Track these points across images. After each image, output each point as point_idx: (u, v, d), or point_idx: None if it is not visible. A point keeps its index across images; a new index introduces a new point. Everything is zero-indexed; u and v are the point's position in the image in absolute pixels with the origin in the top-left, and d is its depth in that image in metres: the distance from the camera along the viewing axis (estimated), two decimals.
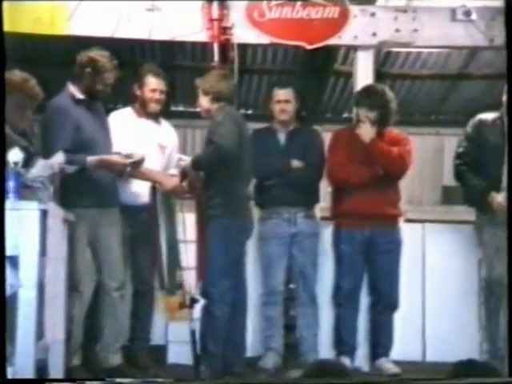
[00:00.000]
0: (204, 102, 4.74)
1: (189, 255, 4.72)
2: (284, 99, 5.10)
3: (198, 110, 4.81)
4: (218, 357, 4.56)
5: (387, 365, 4.90)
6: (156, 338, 5.06)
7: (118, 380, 3.59)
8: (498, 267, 4.83)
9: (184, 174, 4.75)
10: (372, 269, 4.97)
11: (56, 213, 3.78)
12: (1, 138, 3.38)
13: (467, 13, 5.32)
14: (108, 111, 4.79)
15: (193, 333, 4.54)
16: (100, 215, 4.48)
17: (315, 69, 7.24)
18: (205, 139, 4.75)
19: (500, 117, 5.03)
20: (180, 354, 4.90)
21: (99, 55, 4.47)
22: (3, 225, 3.23)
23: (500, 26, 5.29)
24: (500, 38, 5.30)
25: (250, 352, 5.06)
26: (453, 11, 5.36)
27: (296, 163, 5.06)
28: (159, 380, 4.30)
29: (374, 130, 4.99)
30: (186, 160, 4.74)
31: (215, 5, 5.23)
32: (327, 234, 5.11)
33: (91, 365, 4.49)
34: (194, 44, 6.28)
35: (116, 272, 4.53)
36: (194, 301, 4.57)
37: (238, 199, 4.68)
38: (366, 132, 4.97)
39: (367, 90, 5.17)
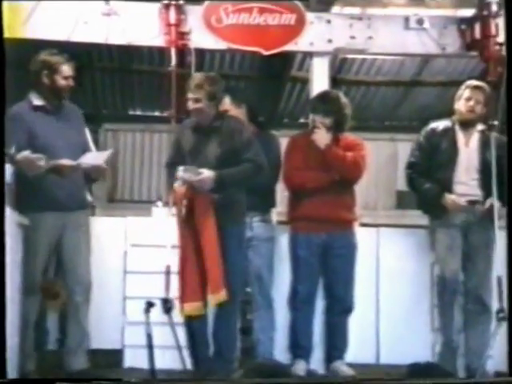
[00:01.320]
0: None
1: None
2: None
3: (190, 108, 4.65)
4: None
5: (342, 367, 4.94)
6: (113, 342, 5.06)
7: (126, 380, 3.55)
8: (450, 265, 4.96)
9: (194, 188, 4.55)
10: (327, 272, 5.01)
11: (12, 217, 3.76)
12: (0, 139, 3.36)
13: (420, 21, 5.41)
14: None
15: (149, 336, 4.54)
16: (63, 218, 4.46)
17: (272, 74, 7.30)
18: (226, 151, 4.63)
19: (452, 124, 5.16)
20: (136, 357, 4.91)
21: (48, 54, 4.48)
22: (3, 227, 3.21)
23: (452, 35, 5.42)
24: (452, 47, 5.43)
25: None
26: (406, 19, 5.46)
27: None
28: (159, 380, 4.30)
29: (330, 136, 5.06)
30: (206, 174, 4.54)
31: (172, 10, 5.24)
32: (284, 238, 5.15)
33: (48, 368, 4.48)
34: (151, 48, 6.29)
35: (80, 276, 4.52)
36: (150, 305, 4.58)
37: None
38: (322, 138, 5.04)
39: (322, 96, 5.24)
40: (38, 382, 3.50)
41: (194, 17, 5.34)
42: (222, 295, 4.54)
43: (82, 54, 6.69)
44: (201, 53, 5.96)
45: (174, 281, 4.82)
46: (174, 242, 4.89)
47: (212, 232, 4.54)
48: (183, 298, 4.58)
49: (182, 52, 5.27)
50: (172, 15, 5.24)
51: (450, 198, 5.01)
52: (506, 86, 4.29)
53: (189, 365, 4.86)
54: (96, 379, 3.96)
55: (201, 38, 5.40)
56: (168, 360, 4.72)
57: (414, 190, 5.21)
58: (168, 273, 4.82)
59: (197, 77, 4.68)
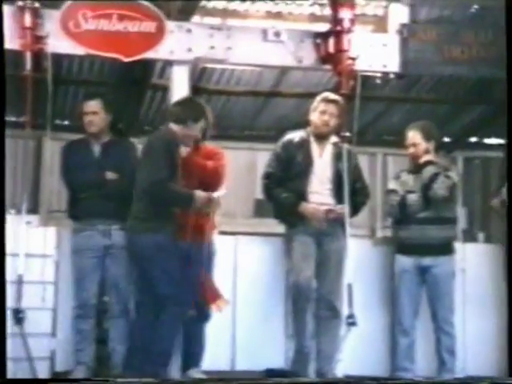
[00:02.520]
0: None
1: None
2: (91, 111, 5.12)
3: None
4: None
5: (197, 375, 4.97)
6: None
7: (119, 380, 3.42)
8: (304, 272, 5.09)
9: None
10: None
11: None
12: (1, 140, 3.21)
13: (277, 34, 5.52)
14: None
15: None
16: None
17: (132, 82, 7.23)
18: None
19: (307, 135, 5.30)
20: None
21: None
22: (4, 227, 3.02)
23: (308, 48, 5.55)
24: (307, 60, 5.57)
25: (59, 366, 5.01)
26: (264, 32, 5.55)
27: (110, 175, 5.06)
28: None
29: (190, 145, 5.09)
30: None
31: (28, 13, 5.11)
32: None
33: None
34: (6, 52, 6.08)
35: None
36: None
37: None
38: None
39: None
40: (35, 383, 3.36)
41: (52, 21, 5.21)
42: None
43: None
44: (58, 58, 5.83)
45: (27, 290, 4.72)
46: (26, 251, 4.78)
47: None
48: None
49: (38, 56, 5.14)
50: (27, 18, 5.10)
51: (307, 206, 5.14)
52: (507, 89, 4.42)
53: (43, 376, 4.77)
54: (85, 379, 3.83)
55: (58, 43, 5.27)
56: (20, 372, 4.60)
57: (271, 199, 5.33)
58: (20, 282, 4.70)
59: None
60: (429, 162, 5.31)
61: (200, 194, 4.76)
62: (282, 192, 5.20)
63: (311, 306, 5.14)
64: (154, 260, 4.64)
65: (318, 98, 5.31)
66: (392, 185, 5.49)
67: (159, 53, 5.52)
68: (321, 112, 5.24)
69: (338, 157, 5.25)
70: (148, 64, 6.59)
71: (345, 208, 5.10)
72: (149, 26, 5.46)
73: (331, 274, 5.18)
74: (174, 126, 4.84)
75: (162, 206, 4.70)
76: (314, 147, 5.28)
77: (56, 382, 3.72)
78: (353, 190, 5.20)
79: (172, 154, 4.72)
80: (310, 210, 5.15)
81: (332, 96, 5.28)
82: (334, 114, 5.24)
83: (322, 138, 5.28)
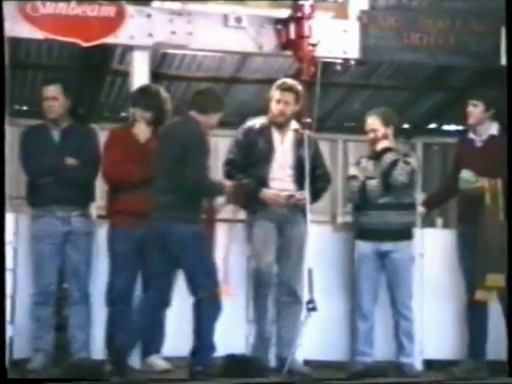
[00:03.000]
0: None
1: None
2: (51, 96, 5.06)
3: None
4: None
5: (158, 361, 4.98)
6: None
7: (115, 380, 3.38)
8: (265, 258, 5.12)
9: None
10: (145, 266, 5.01)
11: None
12: (1, 139, 3.15)
13: (238, 19, 5.52)
14: None
15: None
16: None
17: (92, 67, 7.17)
18: None
19: (268, 122, 5.30)
20: None
21: None
22: (3, 227, 2.95)
23: (268, 34, 5.57)
24: (268, 46, 5.58)
25: (17, 354, 4.97)
26: (225, 17, 5.55)
27: (70, 161, 5.02)
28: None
29: (150, 130, 5.08)
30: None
31: None
32: (103, 232, 5.11)
33: None
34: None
35: None
36: None
37: None
38: (142, 132, 5.05)
39: (143, 90, 5.24)
40: (36, 382, 3.32)
41: (8, 5, 5.14)
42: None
43: None
44: (16, 42, 5.76)
45: None
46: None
47: None
48: None
49: None
50: None
51: (268, 192, 5.16)
52: (506, 85, 4.42)
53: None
54: (80, 379, 3.79)
55: (15, 27, 5.23)
56: None
57: (234, 185, 5.31)
58: None
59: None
60: (387, 149, 5.35)
61: (226, 183, 4.93)
62: (243, 178, 5.21)
63: (272, 291, 5.16)
64: (194, 249, 4.66)
65: (274, 85, 5.29)
66: (352, 171, 5.51)
67: (119, 38, 5.50)
68: (276, 101, 5.22)
69: (298, 143, 5.26)
70: (108, 49, 6.54)
71: (305, 194, 5.12)
72: (108, 11, 5.44)
73: (292, 259, 5.20)
74: (196, 115, 4.80)
75: (202, 198, 4.80)
76: (275, 134, 5.29)
77: (53, 381, 3.71)
78: (314, 176, 5.21)
79: (208, 146, 4.77)
80: (270, 196, 5.17)
81: (287, 83, 5.23)
82: (290, 101, 5.21)
83: (281, 125, 5.28)
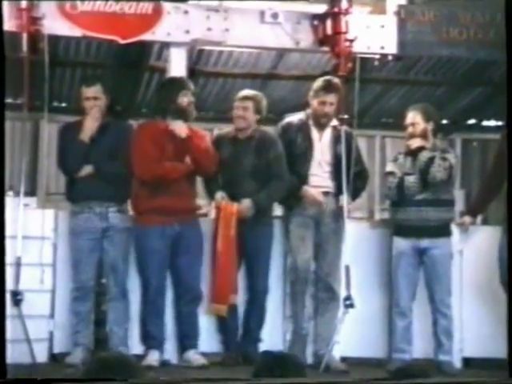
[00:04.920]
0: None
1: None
2: (92, 96, 5.08)
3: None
4: None
5: (195, 357, 4.99)
6: None
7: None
8: (302, 255, 5.10)
9: None
10: (177, 263, 5.02)
11: None
12: (0, 139, 3.22)
13: (275, 15, 5.51)
14: None
15: None
16: None
17: (129, 63, 7.20)
18: (260, 163, 5.20)
19: (306, 118, 5.28)
20: None
21: None
22: (3, 225, 3.00)
23: (305, 30, 5.54)
24: (305, 42, 5.56)
25: (56, 348, 5.02)
26: (262, 13, 5.53)
27: (87, 169, 5.01)
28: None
29: (187, 126, 5.07)
30: (245, 204, 5.06)
31: None
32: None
33: None
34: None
35: None
36: None
37: None
38: (181, 127, 5.02)
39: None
40: (37, 382, 3.38)
41: (47, 2, 5.20)
42: (222, 310, 4.97)
43: None
44: (55, 39, 5.81)
45: (25, 272, 4.73)
46: (24, 233, 4.78)
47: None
48: (213, 299, 5.01)
49: (35, 38, 5.12)
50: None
51: (309, 190, 5.13)
52: (506, 86, 4.41)
53: (41, 358, 4.79)
54: (90, 380, 3.83)
55: (54, 24, 5.27)
56: (17, 354, 4.61)
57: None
58: (18, 264, 4.71)
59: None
60: (422, 148, 5.30)
61: None
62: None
63: (309, 288, 5.15)
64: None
65: (319, 83, 5.24)
66: (390, 167, 5.47)
67: (156, 34, 5.51)
68: (321, 102, 5.20)
69: (336, 140, 5.24)
70: (145, 46, 6.57)
71: (344, 192, 5.10)
72: (145, 8, 5.45)
73: (329, 256, 5.18)
74: None
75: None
76: (314, 131, 5.27)
77: (59, 381, 3.73)
78: (352, 174, 5.18)
79: None
80: (312, 195, 5.14)
81: (331, 85, 5.20)
82: (334, 102, 5.21)
83: (323, 125, 5.27)
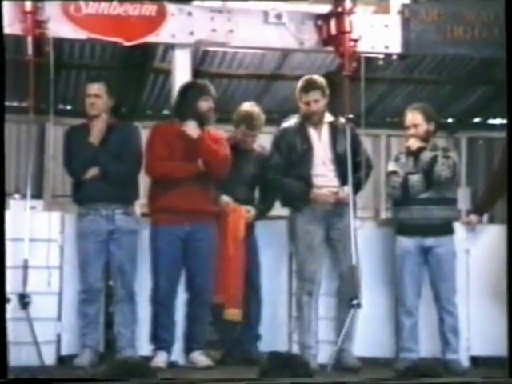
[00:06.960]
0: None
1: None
2: (94, 93, 5.06)
3: None
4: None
5: (200, 358, 4.98)
6: None
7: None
8: (309, 265, 5.08)
9: None
10: (189, 265, 5.03)
11: None
12: (0, 138, 3.21)
13: (279, 16, 5.52)
14: None
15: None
16: None
17: (134, 65, 7.24)
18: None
19: (302, 120, 5.25)
20: None
21: None
22: (3, 225, 3.01)
23: (309, 30, 5.55)
24: (309, 42, 5.56)
25: (64, 350, 5.03)
26: (265, 14, 5.55)
27: (92, 172, 4.99)
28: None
29: (199, 127, 5.04)
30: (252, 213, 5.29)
31: None
32: (147, 230, 5.13)
33: None
34: (6, 36, 6.08)
35: None
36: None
37: None
38: (193, 129, 5.01)
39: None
40: (38, 382, 3.39)
41: (52, 5, 5.22)
42: (237, 313, 5.01)
43: None
44: (60, 42, 5.83)
45: (32, 275, 4.74)
46: (31, 236, 4.80)
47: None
48: (226, 304, 5.06)
49: (40, 41, 5.13)
50: (28, 3, 5.10)
51: (319, 192, 5.11)
52: (506, 86, 4.41)
53: (49, 360, 4.80)
54: (93, 380, 3.85)
55: (59, 27, 5.29)
56: (25, 356, 4.62)
57: (281, 190, 5.29)
58: (25, 267, 4.72)
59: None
60: (422, 148, 5.29)
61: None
62: (291, 181, 5.17)
63: (314, 299, 5.12)
64: None
65: (298, 85, 5.21)
66: (392, 166, 5.44)
67: (160, 36, 5.53)
68: (305, 103, 5.17)
69: (335, 135, 5.21)
70: (149, 48, 6.59)
71: (349, 188, 5.09)
72: (149, 10, 5.47)
73: (342, 255, 5.15)
74: None
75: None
76: (311, 131, 5.24)
77: (60, 382, 3.74)
78: (355, 164, 5.16)
79: None
80: (321, 196, 5.12)
81: (308, 83, 5.16)
82: (318, 98, 5.16)
83: (316, 122, 5.24)
